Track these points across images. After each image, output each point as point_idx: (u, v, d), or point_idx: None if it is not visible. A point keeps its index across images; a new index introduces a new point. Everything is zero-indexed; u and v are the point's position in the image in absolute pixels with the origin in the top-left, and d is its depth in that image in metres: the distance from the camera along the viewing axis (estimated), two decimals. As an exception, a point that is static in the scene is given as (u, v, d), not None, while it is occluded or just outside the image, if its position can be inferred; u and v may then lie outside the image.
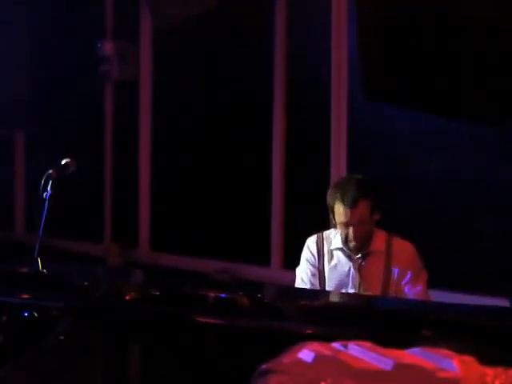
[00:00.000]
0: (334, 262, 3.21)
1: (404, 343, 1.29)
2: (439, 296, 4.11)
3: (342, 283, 3.17)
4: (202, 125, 6.05)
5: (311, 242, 3.26)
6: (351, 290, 3.15)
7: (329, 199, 3.11)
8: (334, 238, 3.22)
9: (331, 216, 3.15)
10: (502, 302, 3.56)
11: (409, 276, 3.09)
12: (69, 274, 2.52)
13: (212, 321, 1.95)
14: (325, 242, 3.25)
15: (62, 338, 1.98)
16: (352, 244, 3.10)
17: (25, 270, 2.58)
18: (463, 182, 4.44)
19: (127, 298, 2.14)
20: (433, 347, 1.23)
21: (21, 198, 7.67)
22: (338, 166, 4.85)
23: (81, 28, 6.73)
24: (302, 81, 5.34)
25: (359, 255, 3.14)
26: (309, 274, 3.24)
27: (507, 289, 3.83)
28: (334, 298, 2.83)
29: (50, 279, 2.47)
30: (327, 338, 1.30)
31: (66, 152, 3.43)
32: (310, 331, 1.80)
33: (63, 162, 3.28)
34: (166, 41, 6.35)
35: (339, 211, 3.07)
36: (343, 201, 3.05)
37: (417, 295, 3.08)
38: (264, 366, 1.19)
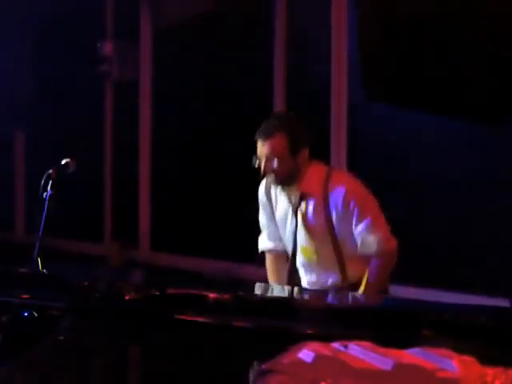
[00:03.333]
0: (279, 205, 3.15)
1: (404, 343, 1.29)
2: (439, 296, 4.11)
3: (291, 229, 3.09)
4: (202, 125, 6.04)
5: (262, 183, 3.23)
6: (290, 236, 3.07)
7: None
8: None
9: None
10: (502, 302, 3.55)
11: (354, 218, 2.96)
12: (69, 274, 2.52)
13: (212, 321, 1.95)
14: (273, 189, 3.19)
15: (61, 338, 1.98)
16: (271, 178, 3.03)
17: (25, 270, 2.57)
18: (463, 182, 4.44)
19: (127, 297, 2.14)
20: (433, 347, 1.23)
21: (21, 198, 7.67)
22: (338, 166, 4.84)
23: (81, 28, 6.73)
24: (301, 81, 5.34)
25: (297, 199, 3.03)
26: (264, 218, 3.27)
27: (507, 289, 3.83)
28: (333, 298, 2.82)
29: (50, 279, 2.47)
30: (327, 338, 1.30)
31: (65, 152, 3.43)
32: (310, 331, 1.80)
33: (63, 162, 3.28)
34: (165, 41, 6.35)
35: (259, 146, 3.07)
36: (259, 133, 3.07)
37: (367, 232, 2.94)
38: (264, 366, 1.20)
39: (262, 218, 3.29)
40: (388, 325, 1.80)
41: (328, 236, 3.00)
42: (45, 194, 3.18)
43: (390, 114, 4.58)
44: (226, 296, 2.09)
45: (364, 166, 4.74)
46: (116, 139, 6.81)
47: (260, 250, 3.38)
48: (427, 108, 4.20)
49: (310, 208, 3.02)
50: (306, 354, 1.20)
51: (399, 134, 4.69)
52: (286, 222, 3.12)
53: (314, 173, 3.05)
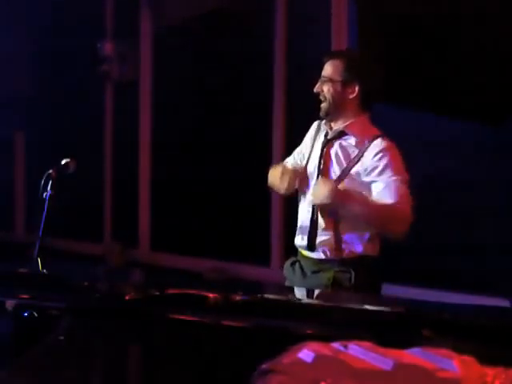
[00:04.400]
0: (316, 144, 3.11)
1: (404, 343, 1.29)
2: (438, 296, 4.11)
3: (314, 164, 3.05)
4: (202, 125, 6.04)
5: (314, 123, 3.20)
6: (314, 171, 3.01)
7: None
8: None
9: None
10: (502, 302, 3.56)
11: (381, 171, 2.86)
12: (69, 274, 2.52)
13: (212, 321, 1.95)
14: (321, 126, 3.15)
15: (61, 337, 1.98)
16: (321, 104, 3.03)
17: (25, 270, 2.58)
18: (463, 181, 4.44)
19: (127, 297, 2.14)
20: (433, 347, 1.23)
21: (21, 198, 7.67)
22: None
23: (81, 28, 6.73)
24: (301, 80, 5.33)
25: (333, 133, 3.00)
26: (297, 151, 3.25)
27: (507, 289, 3.83)
28: (333, 298, 2.82)
29: (50, 279, 2.47)
30: (327, 338, 1.30)
31: (66, 152, 3.43)
32: (310, 331, 1.80)
33: (63, 162, 3.29)
34: (165, 41, 6.35)
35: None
36: (323, 55, 3.08)
37: (391, 185, 2.83)
38: (264, 366, 1.20)
39: (295, 151, 3.27)
40: (388, 325, 1.80)
41: (338, 178, 2.93)
42: (45, 194, 3.18)
43: (389, 114, 4.58)
44: (226, 296, 2.09)
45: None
46: (116, 139, 6.81)
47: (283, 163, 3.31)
48: (427, 108, 4.20)
49: (343, 146, 2.98)
50: (306, 353, 1.20)
51: (399, 134, 4.68)
52: (315, 157, 3.07)
53: (361, 119, 3.02)
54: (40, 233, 3.13)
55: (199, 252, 5.86)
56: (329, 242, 2.97)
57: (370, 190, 2.90)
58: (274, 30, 5.41)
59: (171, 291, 2.17)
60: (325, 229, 2.98)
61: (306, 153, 3.18)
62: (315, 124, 3.22)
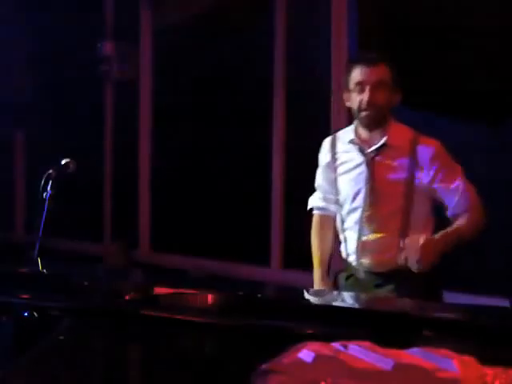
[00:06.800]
0: (346, 163, 2.96)
1: (404, 343, 1.29)
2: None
3: (356, 186, 2.92)
4: (202, 125, 6.04)
5: (326, 141, 3.08)
6: (363, 193, 2.87)
7: (346, 69, 2.90)
8: (347, 133, 3.00)
9: (345, 93, 2.91)
10: (502, 302, 3.55)
11: (441, 176, 2.84)
12: (69, 274, 2.52)
13: (211, 321, 1.95)
14: (337, 142, 3.03)
15: (61, 337, 1.98)
16: (364, 113, 2.82)
17: (25, 270, 2.58)
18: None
19: (127, 297, 2.14)
20: (433, 347, 1.23)
21: (21, 198, 7.67)
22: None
23: (81, 28, 6.73)
24: (301, 80, 5.34)
25: (372, 148, 2.87)
26: (321, 178, 3.13)
27: (507, 289, 3.82)
28: (332, 298, 2.82)
29: (50, 279, 2.47)
30: (327, 338, 1.30)
31: (65, 152, 3.43)
32: (310, 331, 1.80)
33: (63, 162, 3.29)
34: (165, 41, 6.35)
35: (356, 73, 2.85)
36: (363, 59, 2.86)
37: (460, 191, 2.84)
38: (264, 366, 1.20)
39: (319, 179, 3.17)
40: (388, 325, 1.80)
41: (402, 190, 2.86)
42: (45, 194, 3.18)
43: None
44: (226, 296, 2.09)
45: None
46: (116, 139, 6.81)
47: (309, 207, 3.26)
48: (427, 108, 4.20)
49: (392, 158, 2.88)
50: (306, 353, 1.21)
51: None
52: (353, 176, 2.96)
53: (399, 126, 2.94)
54: (40, 233, 3.13)
55: (199, 252, 5.86)
56: (392, 256, 2.87)
57: (437, 194, 2.89)
58: (274, 30, 5.40)
59: (171, 291, 2.17)
60: (388, 247, 2.90)
61: (333, 177, 3.06)
62: (327, 144, 3.10)
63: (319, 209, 3.22)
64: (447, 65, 3.91)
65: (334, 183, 3.06)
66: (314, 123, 5.25)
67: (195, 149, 6.09)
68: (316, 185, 3.21)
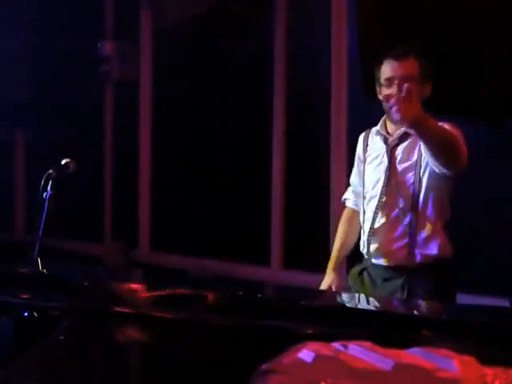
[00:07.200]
0: (372, 154, 3.01)
1: (404, 343, 1.29)
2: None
3: (377, 175, 2.96)
4: (202, 124, 6.04)
5: (361, 136, 3.13)
6: (381, 182, 2.91)
7: (377, 64, 2.91)
8: (378, 126, 3.03)
9: (377, 87, 2.93)
10: (502, 302, 3.55)
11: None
12: (69, 274, 2.52)
13: (211, 321, 1.95)
14: (370, 135, 3.07)
15: (61, 337, 1.98)
16: (395, 107, 2.68)
17: (25, 270, 2.57)
18: (463, 181, 4.43)
19: (127, 297, 2.14)
20: (433, 347, 1.23)
21: (21, 198, 7.67)
22: (338, 166, 4.84)
23: (81, 28, 6.73)
24: (302, 80, 5.34)
25: (394, 137, 2.90)
26: (355, 172, 3.19)
27: (507, 289, 3.82)
28: (331, 299, 2.82)
29: (50, 279, 2.46)
30: (327, 338, 1.30)
31: (66, 152, 3.43)
32: (310, 331, 1.80)
33: (63, 162, 3.29)
34: (165, 41, 6.35)
35: (386, 68, 2.87)
36: (392, 54, 2.87)
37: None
38: (264, 366, 1.20)
39: (353, 172, 3.23)
40: (388, 325, 1.80)
41: (413, 175, 2.88)
42: (45, 194, 3.18)
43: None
44: (226, 296, 2.09)
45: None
46: (116, 139, 6.81)
47: (343, 199, 3.33)
48: (427, 108, 4.19)
49: (411, 147, 2.91)
50: (306, 353, 1.20)
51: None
52: (375, 165, 3.00)
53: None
54: (40, 233, 3.13)
55: (199, 252, 5.86)
56: (401, 247, 2.91)
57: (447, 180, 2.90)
58: (274, 30, 5.41)
59: (171, 291, 2.17)
60: (397, 236, 2.92)
61: (362, 169, 3.10)
62: (361, 138, 3.16)
63: (349, 201, 3.29)
64: (447, 64, 3.91)
65: (362, 175, 3.11)
66: (314, 123, 5.25)
67: (195, 149, 6.09)
68: (350, 180, 3.29)
